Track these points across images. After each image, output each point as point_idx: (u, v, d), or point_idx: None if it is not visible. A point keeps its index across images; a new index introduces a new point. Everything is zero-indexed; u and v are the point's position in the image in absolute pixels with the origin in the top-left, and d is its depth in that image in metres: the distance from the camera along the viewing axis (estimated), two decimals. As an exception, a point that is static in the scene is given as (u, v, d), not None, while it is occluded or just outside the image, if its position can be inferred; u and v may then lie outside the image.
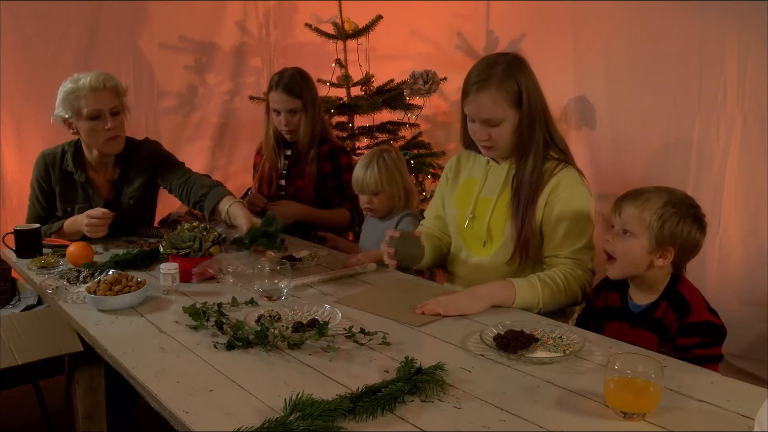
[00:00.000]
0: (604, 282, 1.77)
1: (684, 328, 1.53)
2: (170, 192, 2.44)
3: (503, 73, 1.72)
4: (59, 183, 2.37)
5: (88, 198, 2.39)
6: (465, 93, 1.78)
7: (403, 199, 2.30)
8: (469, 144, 1.92)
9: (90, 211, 2.25)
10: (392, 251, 1.80)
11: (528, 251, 1.79)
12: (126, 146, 2.39)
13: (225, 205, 2.21)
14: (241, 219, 2.12)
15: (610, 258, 1.64)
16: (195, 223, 2.03)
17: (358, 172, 2.29)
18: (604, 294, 1.75)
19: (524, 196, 1.78)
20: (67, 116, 2.24)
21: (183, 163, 2.49)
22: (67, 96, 2.21)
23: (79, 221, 2.28)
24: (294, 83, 2.52)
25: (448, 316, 1.61)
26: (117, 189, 2.42)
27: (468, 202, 1.91)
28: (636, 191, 1.62)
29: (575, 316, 1.90)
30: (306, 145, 2.59)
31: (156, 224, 2.59)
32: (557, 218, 1.76)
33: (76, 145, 2.38)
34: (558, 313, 1.78)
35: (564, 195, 1.77)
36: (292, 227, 2.60)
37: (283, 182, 2.69)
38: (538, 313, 1.69)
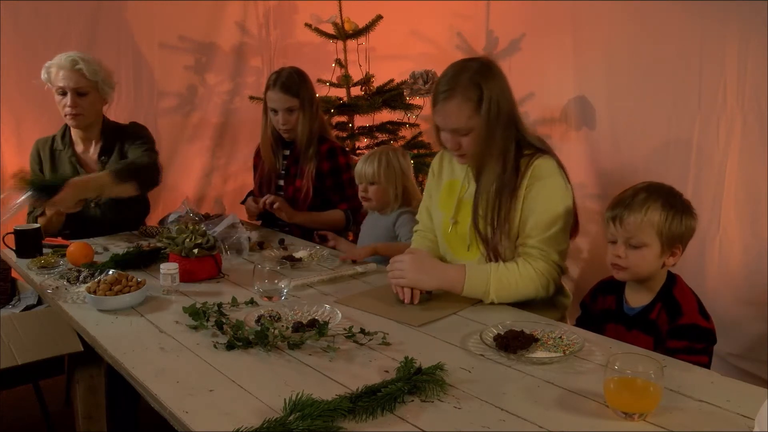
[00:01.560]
0: (599, 286, 1.77)
1: (673, 331, 1.54)
2: None
3: (468, 81, 1.70)
4: (48, 161, 2.54)
5: (77, 173, 2.47)
6: (433, 102, 1.75)
7: (400, 197, 2.32)
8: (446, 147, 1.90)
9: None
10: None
11: (502, 257, 1.77)
12: (110, 126, 2.58)
13: None
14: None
15: (619, 267, 1.62)
16: (192, 226, 2.02)
17: (360, 163, 2.35)
18: (601, 298, 1.75)
19: (502, 201, 1.74)
20: (48, 86, 2.48)
21: (150, 145, 2.57)
22: (47, 69, 2.45)
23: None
24: (291, 82, 2.53)
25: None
26: (102, 165, 2.51)
27: (451, 205, 1.90)
28: (625, 200, 1.60)
29: (567, 314, 1.90)
30: (304, 144, 2.59)
31: (156, 224, 2.59)
32: (529, 207, 1.74)
33: (66, 127, 2.55)
34: (556, 317, 1.78)
35: (538, 184, 1.73)
36: (293, 226, 2.61)
37: (281, 182, 2.69)
38: (492, 303, 1.69)
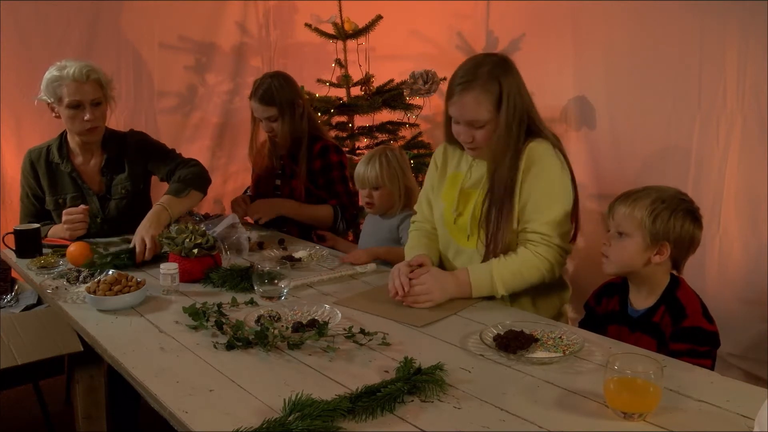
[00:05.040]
0: (605, 288, 1.77)
1: (677, 333, 1.54)
2: (162, 181, 2.49)
3: (488, 74, 1.70)
4: (46, 176, 2.42)
5: (78, 187, 2.42)
6: (449, 94, 1.76)
7: (403, 197, 2.30)
8: (452, 140, 1.90)
9: (68, 210, 2.30)
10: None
11: (502, 246, 1.76)
12: (111, 136, 2.47)
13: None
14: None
15: (603, 255, 1.65)
16: (192, 226, 2.02)
17: (359, 166, 2.31)
18: (606, 300, 1.74)
19: (499, 196, 1.74)
20: (49, 101, 2.31)
21: (173, 151, 2.53)
22: (51, 82, 2.28)
23: (59, 228, 2.33)
24: (268, 93, 2.53)
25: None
26: (107, 178, 2.45)
27: (453, 196, 1.89)
28: (627, 192, 1.63)
29: (569, 316, 1.90)
30: (288, 148, 2.60)
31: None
32: (526, 191, 1.73)
33: (62, 138, 2.44)
34: (557, 317, 1.78)
35: (533, 168, 1.73)
36: (292, 226, 2.61)
37: (278, 182, 2.70)
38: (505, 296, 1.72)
